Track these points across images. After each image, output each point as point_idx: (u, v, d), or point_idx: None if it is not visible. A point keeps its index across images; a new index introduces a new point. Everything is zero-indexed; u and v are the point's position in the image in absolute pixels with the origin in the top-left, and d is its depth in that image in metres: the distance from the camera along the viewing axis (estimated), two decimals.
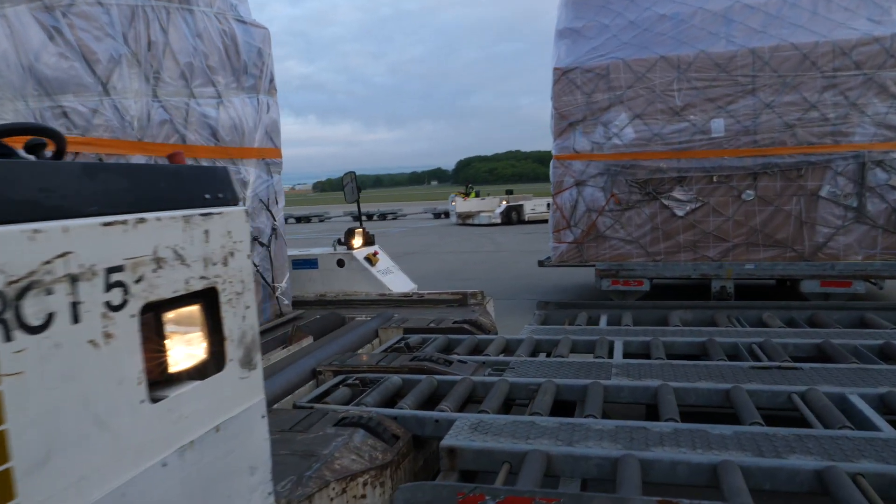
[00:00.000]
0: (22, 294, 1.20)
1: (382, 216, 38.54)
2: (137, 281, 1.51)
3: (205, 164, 4.22)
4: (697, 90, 7.61)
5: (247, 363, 1.95)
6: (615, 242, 8.10)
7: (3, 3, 2.99)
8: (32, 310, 1.21)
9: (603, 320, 4.78)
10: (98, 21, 3.47)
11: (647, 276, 7.82)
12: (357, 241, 5.89)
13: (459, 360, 3.61)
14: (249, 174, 4.71)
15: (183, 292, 1.67)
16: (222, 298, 1.83)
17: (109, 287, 1.44)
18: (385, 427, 2.69)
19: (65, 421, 1.32)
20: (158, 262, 1.59)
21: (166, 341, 1.67)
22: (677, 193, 7.78)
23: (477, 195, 33.60)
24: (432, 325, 4.52)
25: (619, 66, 7.87)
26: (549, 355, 3.97)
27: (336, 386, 3.37)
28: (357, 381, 3.39)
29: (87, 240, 1.38)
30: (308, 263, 5.79)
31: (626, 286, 7.80)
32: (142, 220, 1.52)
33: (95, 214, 1.43)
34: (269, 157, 4.99)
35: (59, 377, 1.30)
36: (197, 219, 1.72)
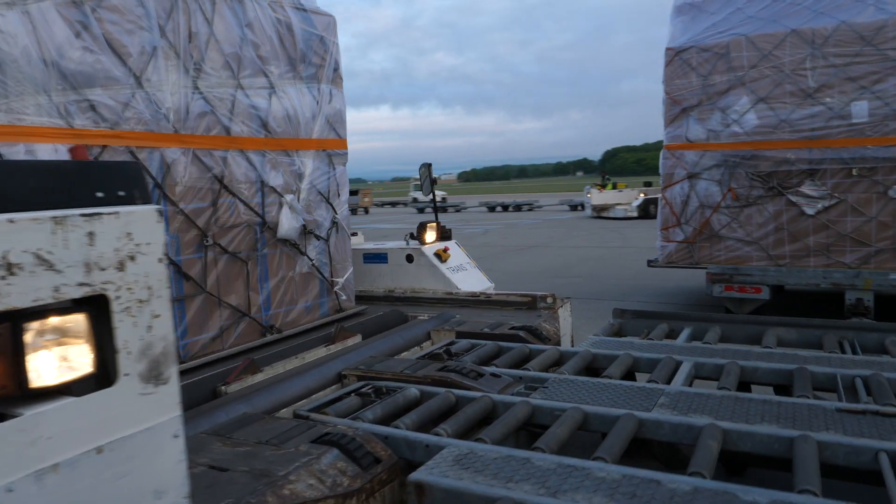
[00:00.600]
0: None
1: (517, 207, 38.02)
2: None
3: (253, 155, 4.14)
4: (836, 68, 6.55)
5: (153, 378, 1.75)
6: (731, 243, 7.20)
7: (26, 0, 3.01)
8: None
9: (684, 335, 4.17)
10: (131, 14, 3.43)
11: (767, 283, 6.85)
12: (430, 236, 5.63)
13: (493, 374, 3.24)
14: (306, 166, 4.59)
15: (50, 300, 1.49)
16: (115, 307, 1.64)
17: None
18: (366, 448, 2.40)
19: None
20: (10, 268, 1.41)
21: (27, 354, 1.50)
22: (807, 189, 6.77)
23: (614, 187, 32.25)
24: (486, 330, 4.16)
25: (742, 42, 6.95)
26: (599, 373, 3.48)
27: (349, 394, 3.13)
28: (371, 391, 3.14)
29: None
30: (378, 258, 5.64)
31: (742, 293, 6.90)
32: None
33: None
34: (331, 147, 4.84)
35: None
36: (75, 220, 1.54)
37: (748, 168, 7.02)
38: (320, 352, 3.90)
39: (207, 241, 3.83)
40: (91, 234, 1.58)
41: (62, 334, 1.62)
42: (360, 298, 5.27)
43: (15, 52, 2.95)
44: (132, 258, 1.69)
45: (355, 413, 2.82)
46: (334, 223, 4.87)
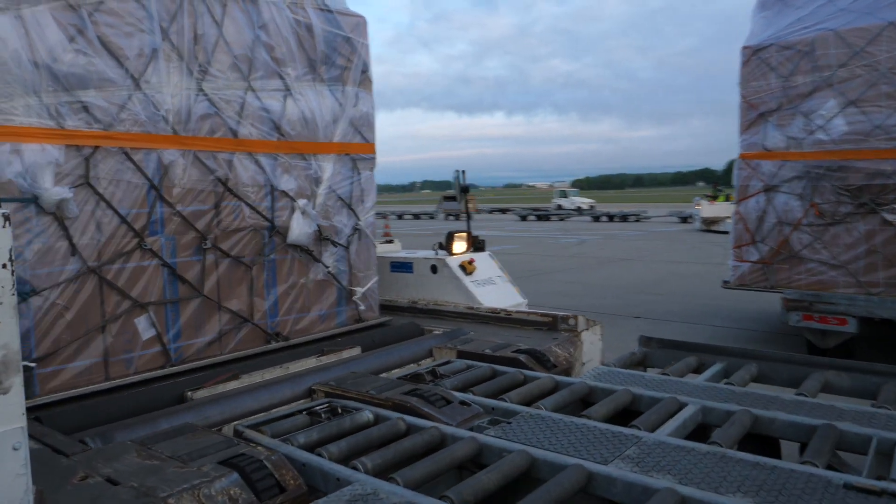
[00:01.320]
0: None
1: (623, 218, 36.63)
2: None
3: (262, 158, 4.08)
4: None
5: None
6: (814, 266, 6.39)
7: (20, 4, 3.07)
8: None
9: (710, 371, 3.68)
10: (131, 17, 3.45)
11: (855, 314, 5.94)
12: (458, 247, 5.38)
13: (462, 402, 2.97)
14: (324, 170, 4.48)
15: None
16: None
17: None
18: (272, 475, 2.23)
19: None
20: None
21: None
22: None
23: (727, 199, 30.36)
24: (487, 351, 3.87)
25: (829, 39, 6.16)
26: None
27: (301, 412, 2.97)
28: (325, 409, 2.96)
29: None
30: (404, 267, 5.46)
31: (824, 324, 6.03)
32: None
33: None
34: (355, 151, 4.72)
35: None
36: None
37: (835, 181, 6.20)
38: (310, 362, 3.76)
39: (206, 245, 3.80)
40: None
41: None
42: (384, 308, 5.11)
43: (4, 54, 3.01)
44: None
45: (288, 434, 2.64)
46: (356, 230, 4.73)
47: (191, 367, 3.70)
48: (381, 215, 39.14)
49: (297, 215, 4.26)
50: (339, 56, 4.57)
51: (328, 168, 4.50)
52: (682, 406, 2.98)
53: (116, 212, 3.41)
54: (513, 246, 19.68)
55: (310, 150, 4.37)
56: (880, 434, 2.59)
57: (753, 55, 6.76)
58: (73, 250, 3.26)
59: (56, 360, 3.21)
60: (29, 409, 2.91)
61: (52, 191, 3.13)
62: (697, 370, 3.79)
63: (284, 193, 4.21)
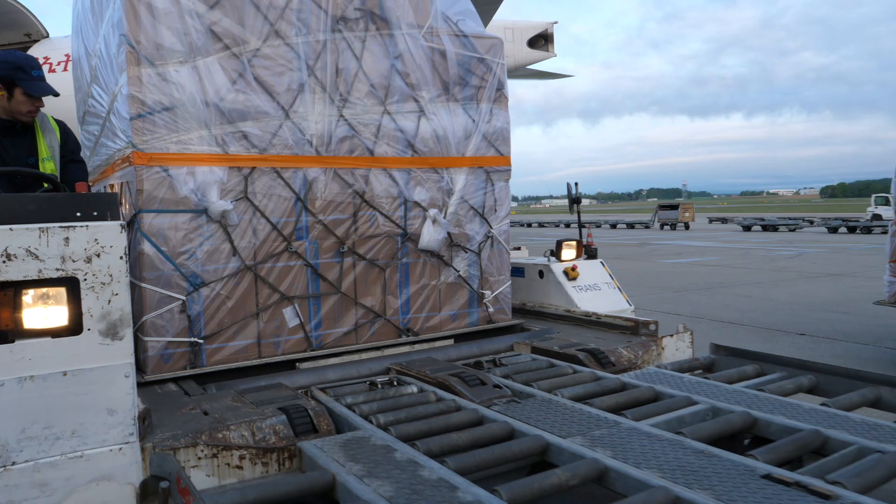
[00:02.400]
0: None
1: (867, 229, 32.06)
2: None
3: (396, 173, 4.61)
4: None
5: (109, 334, 2.60)
6: None
7: (195, 56, 3.91)
8: None
9: (765, 378, 3.82)
10: (282, 59, 4.17)
11: None
12: (566, 254, 5.71)
13: (495, 385, 3.55)
14: (455, 182, 4.90)
15: (37, 277, 2.44)
16: (84, 286, 2.45)
17: None
18: (309, 420, 3.00)
19: None
20: (7, 256, 2.44)
21: (22, 309, 2.44)
22: None
23: None
24: (555, 348, 4.35)
25: None
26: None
27: (365, 382, 3.78)
28: (385, 382, 3.78)
29: None
30: (518, 272, 5.86)
31: None
32: None
33: None
34: (489, 164, 5.07)
35: None
36: (56, 230, 2.51)
37: None
38: (403, 348, 4.46)
39: (344, 249, 4.41)
40: (67, 238, 2.36)
41: (48, 299, 2.48)
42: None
43: (184, 97, 3.87)
44: (98, 255, 2.43)
45: (342, 394, 3.52)
46: (489, 237, 5.08)
47: (328, 353, 4.34)
48: (585, 225, 38.48)
49: (427, 223, 4.73)
50: (473, 76, 4.96)
51: (460, 180, 4.91)
52: (691, 404, 3.23)
53: (269, 220, 4.14)
54: (715, 258, 18.49)
55: (442, 165, 4.82)
56: (864, 443, 2.61)
57: None
58: (234, 251, 4.03)
59: (219, 338, 4.01)
60: (197, 376, 3.77)
61: (218, 203, 3.92)
62: (755, 375, 3.92)
63: (417, 204, 4.70)
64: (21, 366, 2.40)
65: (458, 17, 4.94)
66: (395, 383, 3.78)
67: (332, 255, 4.39)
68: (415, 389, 3.59)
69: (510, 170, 5.23)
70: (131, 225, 3.92)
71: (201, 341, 3.93)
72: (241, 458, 2.78)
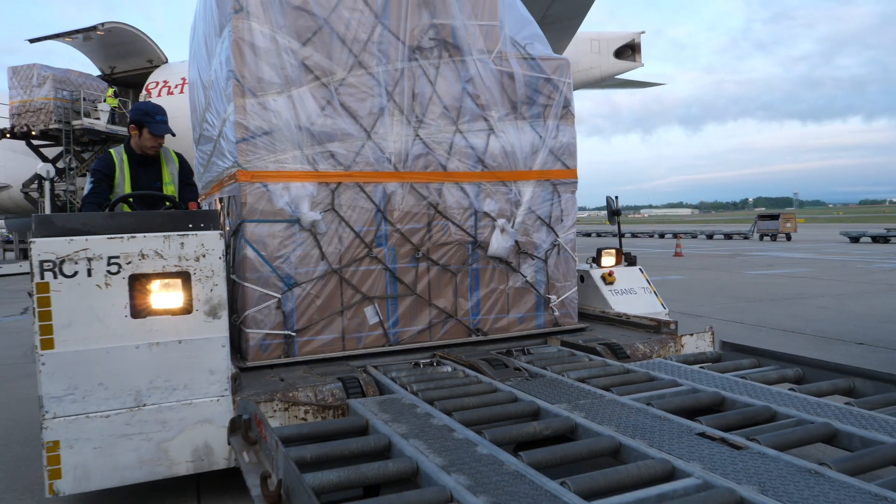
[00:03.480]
0: (62, 262, 3.20)
1: None
2: (128, 263, 3.35)
3: (467, 186, 5.05)
4: None
5: (211, 314, 3.48)
6: None
7: (290, 87, 4.51)
8: (67, 268, 3.21)
9: (755, 370, 4.28)
10: (364, 86, 4.72)
11: None
12: (605, 261, 6.24)
13: (517, 368, 4.32)
14: (523, 194, 5.29)
15: (161, 271, 3.36)
16: (194, 278, 3.41)
17: (109, 264, 3.30)
18: (359, 386, 3.91)
19: (80, 313, 3.22)
20: (143, 255, 3.32)
21: (151, 294, 3.36)
22: None
23: None
24: (580, 342, 4.96)
25: None
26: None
27: (412, 363, 4.61)
28: (427, 363, 4.60)
29: (98, 244, 3.28)
30: None
31: None
32: (133, 237, 3.37)
33: (108, 232, 3.33)
34: (555, 177, 5.43)
35: (79, 297, 3.22)
36: (175, 236, 3.42)
37: None
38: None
39: (419, 255, 4.89)
40: (182, 243, 3.13)
41: (169, 288, 3.42)
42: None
43: (281, 123, 4.47)
44: (204, 256, 3.15)
45: (390, 370, 4.34)
46: (555, 245, 5.43)
47: (404, 349, 4.82)
48: (675, 235, 37.78)
49: (496, 232, 5.14)
50: (540, 96, 5.35)
51: (527, 192, 5.30)
52: (675, 385, 3.83)
53: (352, 229, 4.68)
54: (806, 269, 17.69)
55: (510, 178, 5.23)
56: (803, 416, 3.15)
57: None
58: (322, 256, 4.59)
59: (309, 332, 4.57)
60: (288, 364, 4.35)
61: (309, 214, 4.49)
62: (749, 369, 4.40)
63: (486, 214, 5.13)
64: (150, 335, 3.35)
65: (526, 41, 5.34)
66: (435, 364, 4.55)
67: (408, 261, 4.88)
68: (448, 369, 4.39)
69: (577, 182, 5.56)
70: (237, 232, 4.56)
71: (294, 334, 4.51)
72: (306, 412, 3.65)
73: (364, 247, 4.72)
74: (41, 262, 3.19)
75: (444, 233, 4.99)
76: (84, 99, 25.24)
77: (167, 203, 4.55)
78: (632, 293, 6.00)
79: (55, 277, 3.19)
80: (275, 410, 3.58)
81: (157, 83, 27.95)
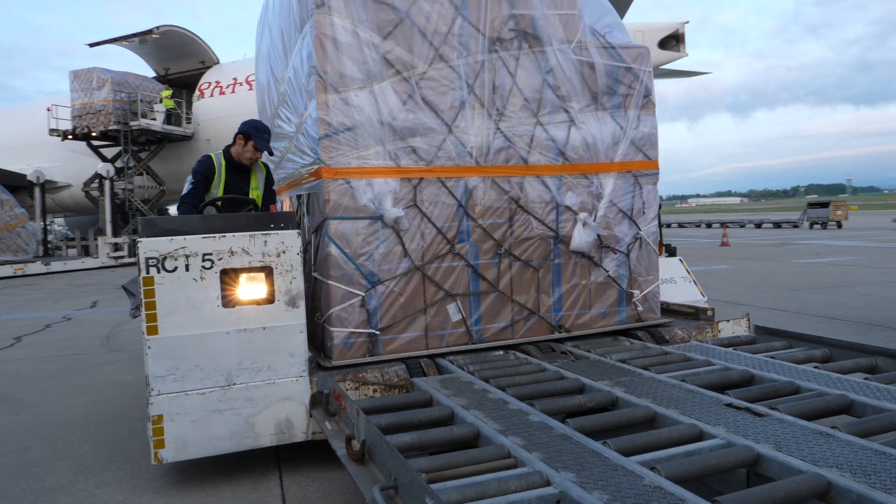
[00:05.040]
0: (164, 258, 3.67)
1: None
2: (219, 259, 3.77)
3: (548, 179, 4.93)
4: None
5: (291, 304, 3.91)
6: None
7: (371, 83, 4.46)
8: (169, 264, 3.67)
9: (786, 351, 4.52)
10: (446, 80, 4.63)
11: None
12: None
13: (563, 352, 4.74)
14: (605, 186, 5.14)
15: (248, 266, 3.88)
16: (275, 272, 3.91)
17: (204, 260, 3.73)
18: (421, 368, 4.33)
19: (179, 304, 3.67)
20: (232, 252, 3.59)
21: (239, 286, 3.67)
22: None
23: None
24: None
25: None
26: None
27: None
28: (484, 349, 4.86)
29: (194, 242, 3.72)
30: None
31: None
32: (223, 236, 3.78)
33: (203, 232, 3.75)
34: (636, 169, 5.27)
35: (178, 289, 3.67)
36: (259, 235, 3.70)
37: None
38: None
39: (501, 251, 4.79)
40: (265, 242, 3.88)
41: (255, 280, 3.68)
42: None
43: (363, 118, 4.42)
44: (284, 252, 3.89)
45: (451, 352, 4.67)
46: (637, 238, 5.27)
47: (487, 347, 4.74)
48: (722, 224, 36.78)
49: (578, 226, 5.01)
50: (621, 85, 5.18)
51: (609, 185, 5.15)
52: (708, 364, 4.14)
53: (435, 225, 4.61)
54: (855, 258, 17.11)
55: (591, 171, 5.08)
56: (823, 389, 3.45)
57: None
58: (405, 253, 4.53)
59: (393, 330, 4.52)
60: (371, 363, 4.31)
61: (391, 211, 4.44)
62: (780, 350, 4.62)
63: (568, 208, 5.00)
64: (239, 323, 3.77)
65: (605, 30, 5.18)
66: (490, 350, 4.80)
67: (490, 257, 4.79)
68: (501, 353, 4.73)
69: (658, 173, 5.39)
70: (318, 230, 4.53)
71: (378, 332, 4.46)
72: (374, 390, 4.12)
73: (446, 243, 4.65)
74: (147, 259, 3.62)
75: (525, 227, 4.88)
76: (141, 100, 25.86)
77: (249, 206, 4.84)
78: (672, 282, 6.18)
79: (158, 272, 3.64)
80: (347, 389, 3.96)
81: (210, 84, 28.47)
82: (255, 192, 5.08)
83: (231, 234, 3.75)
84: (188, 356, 3.67)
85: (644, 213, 5.31)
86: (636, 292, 5.25)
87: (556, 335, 4.96)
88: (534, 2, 4.86)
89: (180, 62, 29.78)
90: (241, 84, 27.40)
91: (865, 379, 3.64)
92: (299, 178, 5.10)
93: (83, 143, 27.66)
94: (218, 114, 27.26)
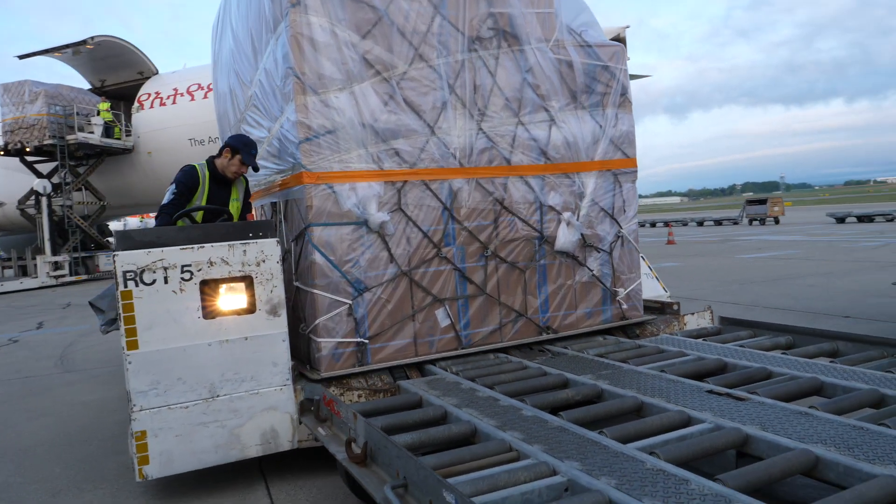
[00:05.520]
0: (142, 271, 3.58)
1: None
2: (199, 270, 3.70)
3: (532, 180, 4.87)
4: None
5: (272, 313, 3.85)
6: None
7: (352, 83, 4.31)
8: (147, 277, 3.58)
9: (750, 340, 4.75)
10: (427, 80, 4.52)
11: None
12: None
13: (540, 350, 4.87)
14: (586, 185, 5.11)
15: (227, 276, 3.76)
16: (256, 281, 3.82)
17: (182, 271, 3.65)
18: (404, 371, 4.38)
19: (159, 317, 3.59)
20: (211, 263, 3.72)
21: (219, 297, 3.58)
22: None
23: None
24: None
25: None
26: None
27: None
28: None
29: (172, 254, 3.63)
30: None
31: None
32: (202, 247, 3.72)
33: (181, 244, 3.66)
34: (616, 167, 5.26)
35: (158, 302, 3.60)
36: (238, 245, 3.61)
37: None
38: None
39: (487, 253, 4.70)
40: (244, 251, 3.79)
41: (235, 290, 3.60)
42: None
43: (344, 120, 4.27)
44: (264, 261, 3.87)
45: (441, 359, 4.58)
46: (619, 237, 5.25)
47: (476, 351, 4.63)
48: (666, 224, 37.77)
49: (562, 226, 4.96)
50: (598, 84, 5.17)
51: (590, 183, 5.12)
52: (682, 355, 4.32)
53: (420, 229, 4.48)
54: (794, 251, 17.89)
55: (573, 170, 5.05)
56: (794, 373, 3.71)
57: None
58: (392, 258, 4.39)
59: (381, 338, 4.37)
60: (362, 374, 4.14)
61: (377, 215, 4.29)
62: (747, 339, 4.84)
63: (551, 208, 4.94)
64: (220, 334, 3.71)
65: (581, 28, 5.16)
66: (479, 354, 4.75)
67: (476, 259, 4.69)
68: (492, 356, 4.69)
69: (636, 171, 5.39)
70: (300, 238, 4.35)
71: (367, 341, 4.30)
72: (359, 395, 4.09)
73: (433, 247, 4.52)
74: (125, 273, 3.54)
75: (510, 229, 4.80)
76: (77, 113, 24.82)
77: (224, 216, 4.70)
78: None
79: (137, 286, 3.56)
80: (333, 393, 3.95)
81: (150, 95, 27.51)
82: (235, 204, 4.93)
83: (210, 245, 3.70)
84: (170, 370, 3.61)
85: (625, 210, 5.31)
86: (620, 290, 5.24)
87: (545, 336, 4.89)
88: (511, 0, 4.80)
89: (117, 73, 28.74)
90: (181, 94, 26.57)
91: (831, 362, 3.90)
92: (273, 184, 4.91)
93: (16, 160, 26.37)
94: (159, 125, 26.39)
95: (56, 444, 5.05)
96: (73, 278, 24.17)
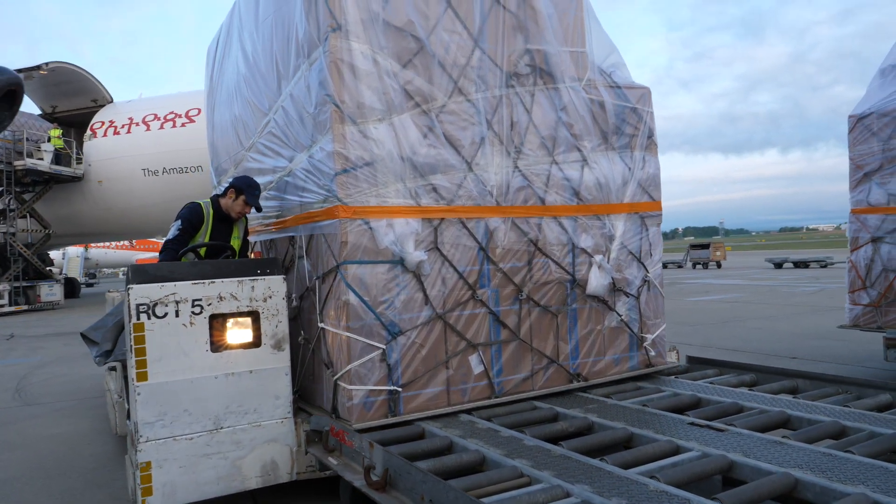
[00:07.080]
0: (155, 305, 3.64)
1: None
2: (208, 305, 3.78)
3: (565, 221, 4.70)
4: None
5: (276, 347, 3.94)
6: None
7: (391, 114, 4.09)
8: (159, 310, 3.65)
9: (719, 377, 5.04)
10: (465, 114, 4.34)
11: None
12: None
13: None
14: (616, 228, 4.97)
15: (235, 311, 3.84)
16: (262, 316, 3.90)
17: (193, 305, 3.73)
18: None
19: (169, 349, 3.64)
20: (220, 297, 3.81)
21: (227, 331, 3.82)
22: None
23: None
24: None
25: None
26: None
27: None
28: None
29: (184, 289, 3.73)
30: None
31: None
32: (213, 282, 3.81)
33: (192, 279, 3.77)
34: (643, 210, 5.15)
35: (168, 334, 3.65)
36: (247, 281, 3.90)
37: None
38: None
39: (521, 296, 4.48)
40: (252, 287, 3.91)
41: (242, 325, 3.86)
42: None
43: (383, 153, 4.03)
44: (270, 297, 3.93)
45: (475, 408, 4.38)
46: (645, 281, 5.12)
47: (508, 401, 4.37)
48: None
49: (594, 269, 4.79)
50: (627, 125, 5.09)
51: (620, 226, 4.99)
52: (660, 391, 4.60)
53: (456, 269, 4.24)
54: (738, 295, 18.60)
55: (604, 211, 4.91)
56: (764, 407, 4.03)
57: (858, 122, 7.22)
58: (427, 300, 4.13)
59: (414, 386, 4.07)
60: (395, 424, 3.80)
61: (414, 254, 4.04)
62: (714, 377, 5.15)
63: (583, 250, 4.78)
64: (227, 367, 3.78)
65: (611, 69, 5.09)
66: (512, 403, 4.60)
67: (510, 302, 4.46)
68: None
69: (661, 214, 5.30)
70: (329, 276, 4.06)
71: (399, 389, 4.00)
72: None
73: (468, 289, 4.28)
74: (137, 306, 3.60)
75: (544, 271, 4.61)
76: (27, 139, 23.78)
77: (227, 253, 4.82)
78: None
79: (149, 318, 3.62)
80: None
81: (103, 123, 26.64)
82: (236, 242, 5.05)
83: (220, 280, 3.81)
84: (177, 401, 3.65)
85: (651, 254, 5.19)
86: (647, 337, 5.08)
87: (575, 384, 4.67)
88: (548, 37, 4.69)
89: (70, 100, 27.82)
90: (137, 124, 25.82)
91: (794, 398, 4.28)
92: (294, 217, 4.61)
93: None
94: (112, 154, 25.52)
95: (34, 477, 4.95)
96: (13, 308, 22.82)
